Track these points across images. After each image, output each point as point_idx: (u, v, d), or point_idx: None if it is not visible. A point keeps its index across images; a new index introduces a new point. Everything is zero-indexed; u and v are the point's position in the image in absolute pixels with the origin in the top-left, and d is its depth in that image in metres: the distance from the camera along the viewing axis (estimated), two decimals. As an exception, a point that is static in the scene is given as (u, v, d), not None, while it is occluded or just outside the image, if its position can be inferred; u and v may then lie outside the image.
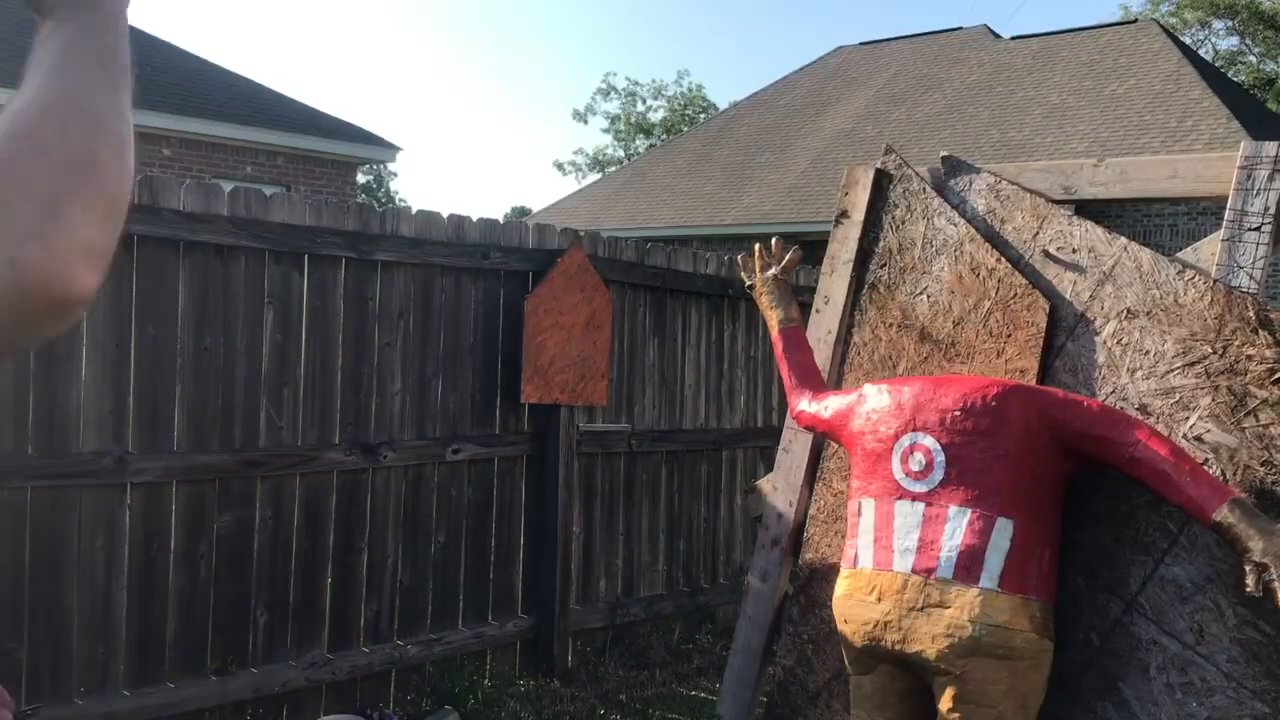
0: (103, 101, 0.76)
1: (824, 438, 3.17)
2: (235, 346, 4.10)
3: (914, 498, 2.59)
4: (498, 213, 46.95)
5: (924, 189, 3.24)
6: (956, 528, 2.51)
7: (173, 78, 12.16)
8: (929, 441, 2.60)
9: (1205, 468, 2.46)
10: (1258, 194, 2.80)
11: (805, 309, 3.40)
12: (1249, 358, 2.55)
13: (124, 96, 0.79)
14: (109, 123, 0.76)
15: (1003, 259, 3.01)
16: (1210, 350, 2.61)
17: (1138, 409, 2.68)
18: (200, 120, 11.76)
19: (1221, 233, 2.83)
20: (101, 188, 0.74)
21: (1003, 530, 2.48)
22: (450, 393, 4.85)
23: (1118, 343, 2.78)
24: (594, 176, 35.93)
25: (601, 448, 5.48)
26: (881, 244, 3.30)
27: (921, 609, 2.51)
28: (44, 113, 0.74)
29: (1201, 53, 27.16)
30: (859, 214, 3.36)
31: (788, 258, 3.26)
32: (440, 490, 4.81)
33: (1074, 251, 2.93)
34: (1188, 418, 2.61)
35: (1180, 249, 3.24)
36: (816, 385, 3.08)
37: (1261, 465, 2.49)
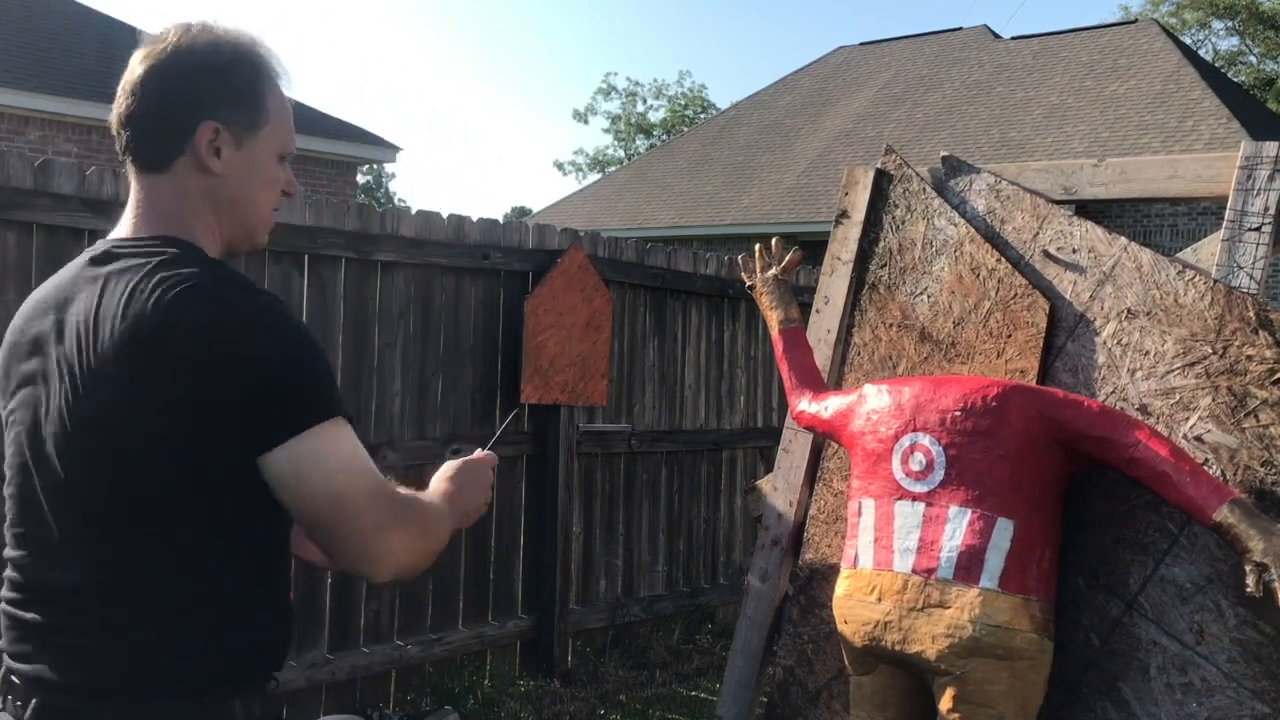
0: (440, 533, 1.55)
1: (824, 438, 3.16)
2: (235, 347, 4.09)
3: (914, 498, 2.59)
4: (498, 213, 46.92)
5: (924, 189, 3.24)
6: (957, 528, 2.51)
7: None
8: (929, 442, 2.60)
9: (1205, 468, 2.46)
10: (1258, 194, 2.80)
11: (805, 309, 3.40)
12: (1249, 358, 2.55)
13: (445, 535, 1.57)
14: (438, 542, 1.54)
15: (1003, 259, 3.01)
16: (1210, 350, 2.61)
17: (1138, 409, 2.68)
18: (200, 120, 11.74)
19: (1221, 233, 2.83)
20: (425, 552, 1.51)
21: (1003, 530, 2.48)
22: (450, 393, 4.85)
23: (1118, 343, 2.77)
24: (594, 176, 35.91)
25: (601, 448, 5.48)
26: (881, 244, 3.30)
27: (922, 609, 2.51)
28: (429, 520, 1.53)
29: (1201, 53, 27.15)
30: (859, 214, 3.36)
31: (788, 258, 3.26)
32: (440, 490, 4.80)
33: (1074, 251, 2.93)
34: (1188, 418, 2.61)
35: (1180, 249, 3.24)
36: (816, 386, 3.08)
37: (1261, 465, 2.49)
